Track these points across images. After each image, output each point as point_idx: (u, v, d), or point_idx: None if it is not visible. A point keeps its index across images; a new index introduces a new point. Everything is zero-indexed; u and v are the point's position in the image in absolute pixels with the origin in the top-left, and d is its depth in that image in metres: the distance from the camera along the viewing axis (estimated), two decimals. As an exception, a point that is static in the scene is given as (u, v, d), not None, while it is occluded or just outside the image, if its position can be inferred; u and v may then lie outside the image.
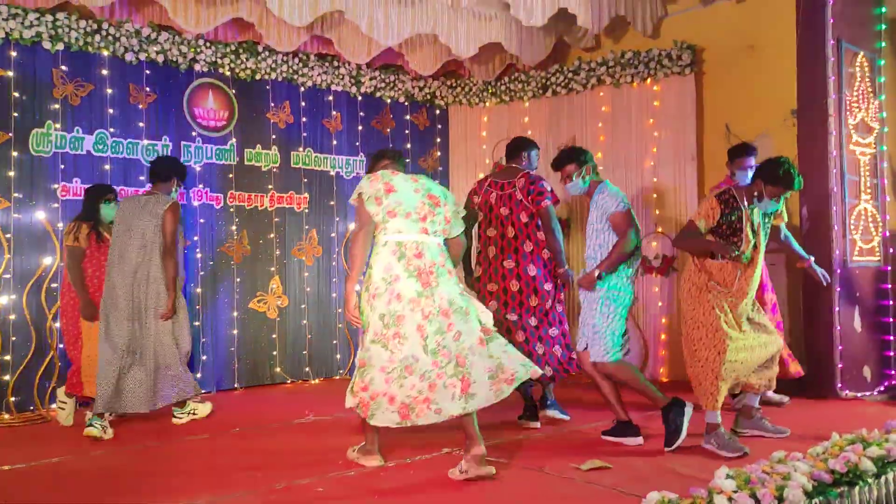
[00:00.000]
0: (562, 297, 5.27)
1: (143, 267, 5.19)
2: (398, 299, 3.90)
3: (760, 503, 3.12)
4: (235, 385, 6.80)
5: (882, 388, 6.01)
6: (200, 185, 6.64)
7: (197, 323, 6.52)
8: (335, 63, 7.40)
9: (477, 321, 3.99)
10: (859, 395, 5.81)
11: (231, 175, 6.83)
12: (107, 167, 6.16)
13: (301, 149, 7.24)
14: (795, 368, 5.50)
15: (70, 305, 5.45)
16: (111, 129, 6.20)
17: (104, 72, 6.17)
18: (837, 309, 5.76)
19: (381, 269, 3.94)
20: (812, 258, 4.98)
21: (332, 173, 7.43)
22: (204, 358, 6.59)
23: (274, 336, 7.05)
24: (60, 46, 5.93)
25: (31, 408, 5.68)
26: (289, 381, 7.07)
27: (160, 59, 6.39)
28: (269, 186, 7.04)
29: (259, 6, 6.35)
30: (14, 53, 5.76)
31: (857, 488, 3.47)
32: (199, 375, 6.42)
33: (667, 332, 6.98)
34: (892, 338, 6.10)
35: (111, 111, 6.20)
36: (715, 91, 7.03)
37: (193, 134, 6.63)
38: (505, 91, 8.14)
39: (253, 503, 3.60)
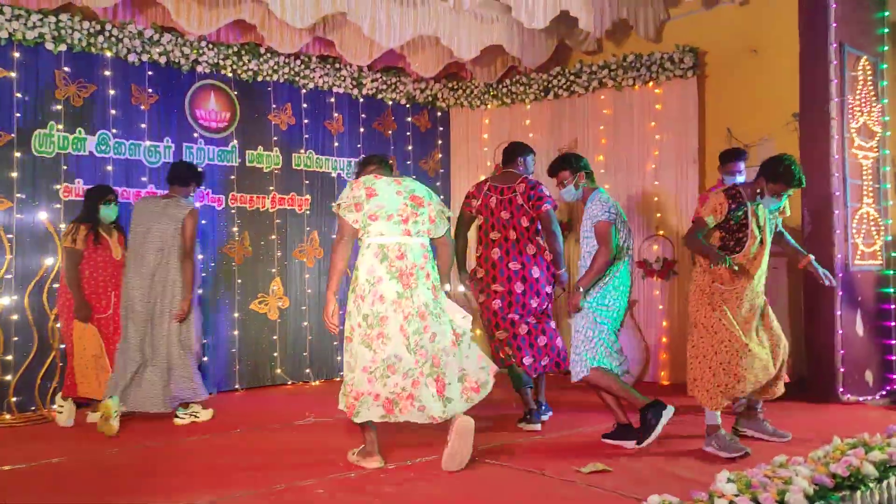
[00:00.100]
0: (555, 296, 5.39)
1: (162, 270, 5.26)
2: (381, 300, 4.00)
3: (761, 507, 3.12)
4: (236, 386, 6.80)
5: (884, 393, 6.00)
6: (202, 187, 6.64)
7: (197, 324, 6.53)
8: (337, 65, 7.40)
9: (449, 324, 4.12)
10: (861, 399, 5.80)
11: (233, 176, 6.84)
12: (109, 168, 6.17)
13: (302, 150, 7.25)
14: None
15: (65, 307, 5.47)
16: (113, 130, 6.21)
17: (107, 73, 6.18)
18: (839, 312, 5.75)
19: (365, 270, 4.05)
20: (812, 256, 4.96)
21: (334, 175, 7.43)
22: (205, 359, 6.58)
23: (275, 337, 7.05)
24: (63, 47, 5.94)
25: (33, 408, 5.67)
26: (289, 383, 7.07)
27: (162, 60, 6.40)
28: (271, 188, 7.05)
29: (261, 8, 6.35)
30: (17, 54, 5.77)
31: (858, 493, 3.46)
32: (199, 376, 6.43)
33: (668, 336, 6.97)
34: (894, 342, 6.08)
35: (113, 112, 6.21)
36: (717, 94, 7.02)
37: (195, 135, 6.64)
38: (506, 93, 8.13)
39: (253, 504, 3.60)
